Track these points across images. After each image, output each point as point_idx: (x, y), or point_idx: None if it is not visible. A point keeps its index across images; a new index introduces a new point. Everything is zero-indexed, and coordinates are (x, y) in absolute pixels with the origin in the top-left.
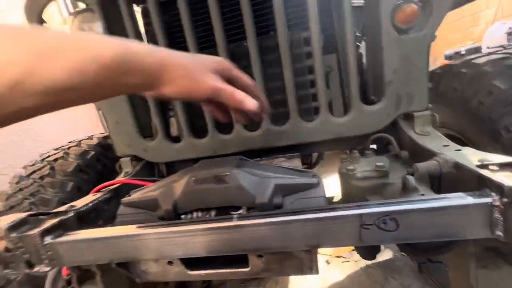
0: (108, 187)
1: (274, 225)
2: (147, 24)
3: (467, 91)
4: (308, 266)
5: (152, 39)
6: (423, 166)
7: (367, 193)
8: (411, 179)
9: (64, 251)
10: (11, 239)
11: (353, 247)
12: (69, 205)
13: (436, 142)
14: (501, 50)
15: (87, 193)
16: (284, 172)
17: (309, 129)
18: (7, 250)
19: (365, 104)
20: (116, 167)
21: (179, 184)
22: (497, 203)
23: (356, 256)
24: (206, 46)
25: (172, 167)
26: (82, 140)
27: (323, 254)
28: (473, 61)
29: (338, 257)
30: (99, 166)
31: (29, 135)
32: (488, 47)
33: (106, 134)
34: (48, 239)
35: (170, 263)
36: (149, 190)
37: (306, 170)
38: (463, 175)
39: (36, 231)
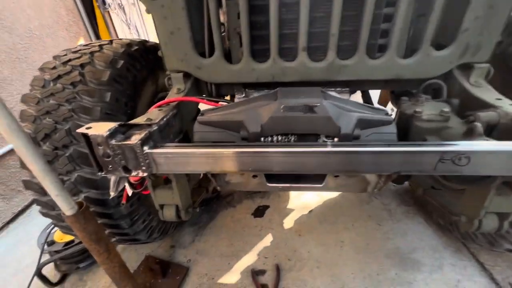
0: (171, 103)
1: (370, 153)
2: None
3: None
4: (374, 187)
5: None
6: (484, 115)
7: (427, 134)
8: (479, 127)
9: (162, 160)
10: (112, 146)
11: None
12: (145, 118)
13: (489, 94)
14: None
15: (125, 105)
16: (362, 107)
17: (373, 66)
18: (105, 155)
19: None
20: (165, 81)
21: (266, 109)
22: None
23: None
24: None
25: (219, 87)
26: (102, 44)
27: None
28: None
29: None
30: (130, 77)
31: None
32: None
33: (129, 41)
34: (146, 149)
35: (254, 176)
36: (229, 112)
37: (380, 107)
38: None
39: (136, 141)
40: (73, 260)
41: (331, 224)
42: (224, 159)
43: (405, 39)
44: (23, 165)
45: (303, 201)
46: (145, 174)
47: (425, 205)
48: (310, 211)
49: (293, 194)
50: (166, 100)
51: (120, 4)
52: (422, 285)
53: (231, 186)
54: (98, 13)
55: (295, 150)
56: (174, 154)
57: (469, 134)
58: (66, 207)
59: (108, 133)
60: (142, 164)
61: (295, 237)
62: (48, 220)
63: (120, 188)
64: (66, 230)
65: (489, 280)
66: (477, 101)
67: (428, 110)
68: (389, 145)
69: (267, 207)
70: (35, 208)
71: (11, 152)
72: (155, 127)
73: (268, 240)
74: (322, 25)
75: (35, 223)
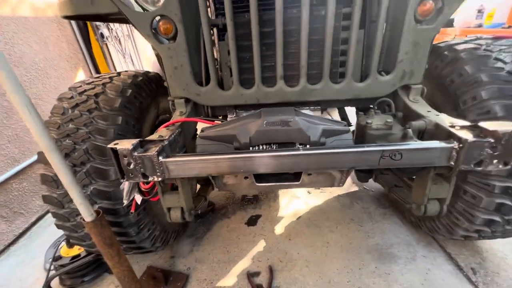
0: (176, 124)
1: (332, 154)
2: None
3: (445, 70)
4: (339, 181)
5: None
6: (415, 124)
7: (377, 139)
8: (410, 132)
9: (173, 167)
10: (134, 157)
11: None
12: (157, 135)
13: (423, 108)
14: (475, 40)
15: (133, 127)
16: (326, 121)
17: (336, 89)
18: (128, 165)
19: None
20: (170, 106)
21: (253, 125)
22: (456, 147)
23: (330, 189)
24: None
25: (214, 109)
26: (111, 76)
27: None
28: (454, 46)
29: (317, 188)
30: (137, 103)
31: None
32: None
33: (134, 72)
34: (160, 159)
35: (246, 177)
36: (224, 128)
37: (339, 120)
38: (439, 131)
39: (153, 152)
40: (78, 274)
41: (318, 228)
42: (222, 164)
43: (358, 68)
44: (43, 182)
45: (292, 209)
46: (160, 179)
47: (399, 206)
48: (299, 218)
49: (282, 203)
50: (172, 121)
51: (116, 36)
52: (398, 275)
53: (228, 187)
54: (95, 44)
55: (276, 154)
56: (182, 161)
57: (404, 138)
58: (87, 214)
59: (132, 147)
60: (157, 171)
61: (285, 241)
62: (50, 240)
63: (132, 197)
64: (78, 240)
65: (454, 267)
66: (414, 113)
67: (376, 121)
68: (345, 148)
69: (259, 216)
70: (36, 230)
71: (14, 176)
72: (166, 142)
73: (261, 245)
74: (294, 59)
75: (37, 244)
